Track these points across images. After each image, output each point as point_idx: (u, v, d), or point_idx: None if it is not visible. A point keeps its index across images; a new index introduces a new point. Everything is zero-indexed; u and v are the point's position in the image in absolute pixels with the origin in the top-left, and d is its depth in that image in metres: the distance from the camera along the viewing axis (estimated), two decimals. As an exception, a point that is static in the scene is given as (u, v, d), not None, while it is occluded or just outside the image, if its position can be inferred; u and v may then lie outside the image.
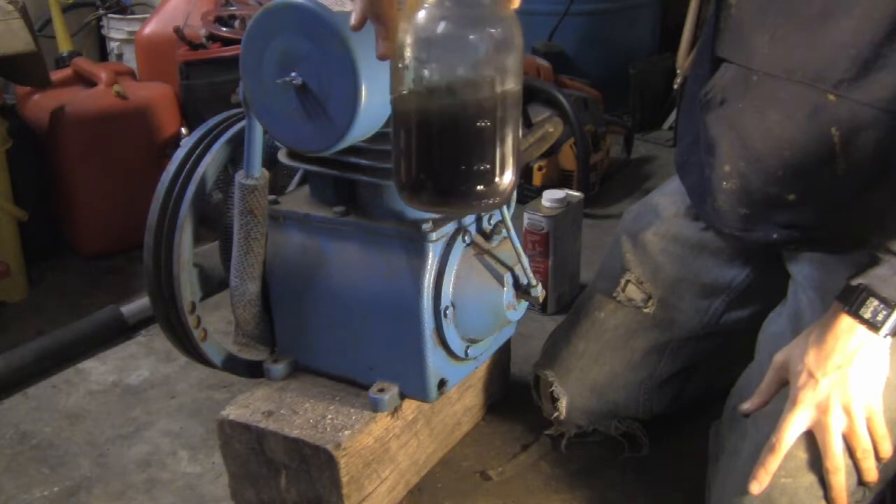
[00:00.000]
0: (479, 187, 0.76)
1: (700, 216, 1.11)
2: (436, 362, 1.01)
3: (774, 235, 0.98)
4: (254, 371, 1.13)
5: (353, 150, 0.94)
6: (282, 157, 1.05)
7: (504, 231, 1.04)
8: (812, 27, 0.87)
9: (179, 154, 1.04)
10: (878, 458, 0.86)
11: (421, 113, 0.75)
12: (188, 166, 1.03)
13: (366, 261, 1.01)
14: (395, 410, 1.04)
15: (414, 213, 1.00)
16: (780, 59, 0.90)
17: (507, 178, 0.77)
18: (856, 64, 0.85)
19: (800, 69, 0.88)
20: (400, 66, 0.74)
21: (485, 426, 1.25)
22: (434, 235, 0.97)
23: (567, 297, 1.59)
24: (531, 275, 1.03)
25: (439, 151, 0.75)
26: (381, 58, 0.75)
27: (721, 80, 0.97)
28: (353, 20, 0.76)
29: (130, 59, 2.44)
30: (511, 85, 0.75)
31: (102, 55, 2.75)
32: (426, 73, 0.73)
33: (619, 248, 1.18)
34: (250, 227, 1.00)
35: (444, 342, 1.01)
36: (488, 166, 0.75)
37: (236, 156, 1.04)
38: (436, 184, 0.76)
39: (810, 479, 0.86)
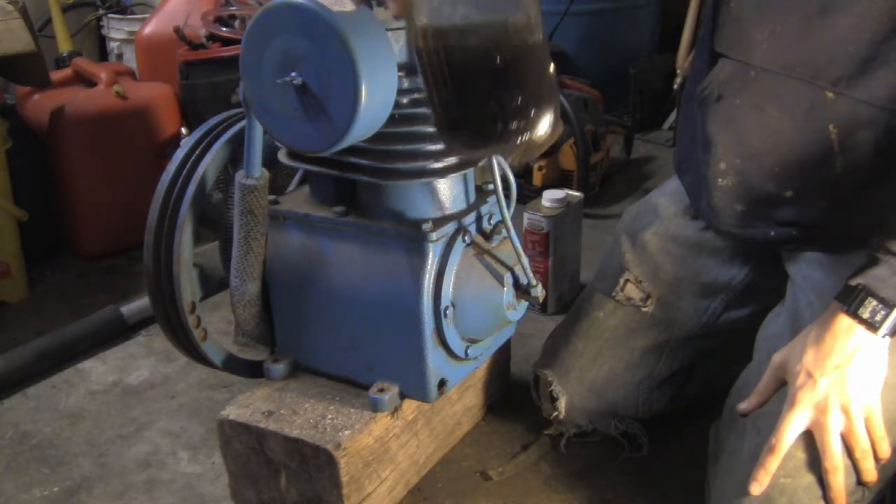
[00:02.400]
0: (514, 125, 0.74)
1: (698, 214, 1.11)
2: (436, 362, 1.01)
3: (772, 233, 0.98)
4: (254, 371, 1.13)
5: (353, 150, 0.94)
6: (282, 157, 1.05)
7: (504, 231, 1.04)
8: (812, 24, 0.87)
9: (179, 154, 1.04)
10: (876, 458, 0.86)
11: (446, 56, 0.74)
12: (188, 166, 1.03)
13: (366, 261, 1.01)
14: (395, 410, 1.04)
15: (414, 212, 1.00)
16: (779, 54, 0.90)
17: (544, 119, 0.75)
18: (855, 61, 0.85)
19: (798, 65, 0.88)
20: (418, 9, 0.73)
21: (485, 426, 1.25)
22: (434, 235, 0.97)
23: (567, 297, 1.60)
24: (531, 275, 1.03)
25: (471, 92, 0.74)
26: (398, 17, 0.75)
27: (719, 75, 0.97)
28: None
29: (130, 59, 2.45)
30: (531, 19, 0.74)
31: (102, 55, 2.76)
32: (449, 11, 0.72)
33: (618, 248, 1.18)
34: (250, 227, 1.00)
35: (444, 342, 1.01)
36: (523, 104, 0.74)
37: (236, 156, 1.05)
38: (472, 127, 0.75)
39: (809, 479, 0.86)
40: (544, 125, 0.75)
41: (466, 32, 0.72)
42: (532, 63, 0.74)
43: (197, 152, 1.04)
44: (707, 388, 1.19)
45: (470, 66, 0.73)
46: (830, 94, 0.87)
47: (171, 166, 1.04)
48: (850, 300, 0.84)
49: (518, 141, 0.75)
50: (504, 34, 0.72)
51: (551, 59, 0.78)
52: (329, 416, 1.01)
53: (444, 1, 0.73)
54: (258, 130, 0.96)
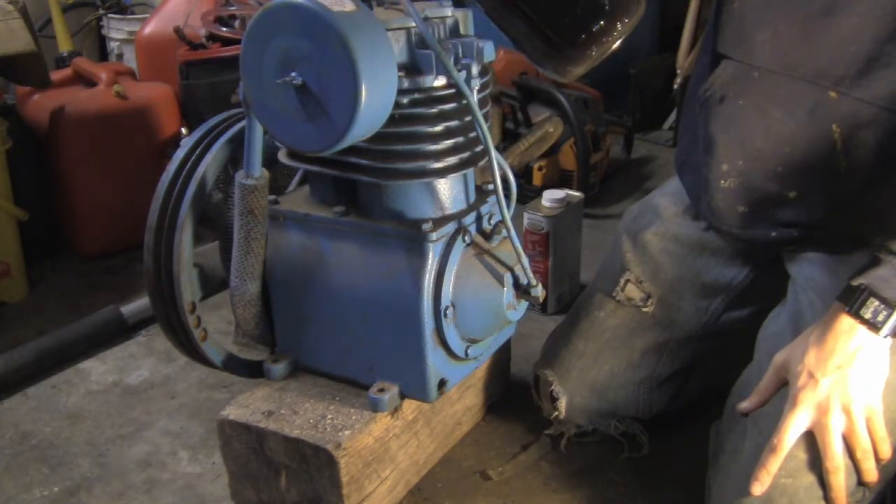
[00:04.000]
0: (598, 25, 0.75)
1: (699, 215, 1.11)
2: (436, 362, 1.01)
3: (773, 234, 0.98)
4: (254, 371, 1.13)
5: (353, 150, 0.94)
6: (282, 157, 1.05)
7: (504, 231, 1.04)
8: (814, 24, 0.87)
9: (179, 154, 1.04)
10: (877, 458, 0.86)
11: None
12: (188, 166, 1.03)
13: (366, 261, 1.01)
14: (395, 410, 1.04)
15: (414, 212, 1.00)
16: (782, 55, 0.90)
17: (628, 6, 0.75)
18: (858, 61, 0.85)
19: (801, 66, 0.88)
20: None
21: (485, 426, 1.25)
22: (434, 235, 0.97)
23: (567, 297, 1.60)
24: (531, 275, 1.03)
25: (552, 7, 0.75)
26: None
27: (721, 76, 0.97)
28: None
29: (130, 59, 2.45)
30: None
31: (102, 55, 2.76)
32: None
33: (619, 248, 1.18)
34: (250, 227, 1.00)
35: (444, 342, 1.01)
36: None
37: (236, 156, 1.04)
38: (563, 40, 0.75)
39: (810, 479, 0.86)
40: (631, 17, 0.76)
41: None
42: None
43: (197, 152, 1.04)
44: (707, 389, 1.19)
45: None
46: (833, 94, 0.86)
47: (171, 166, 1.04)
48: (852, 300, 0.84)
49: (607, 40, 0.76)
50: None
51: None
52: (329, 416, 1.01)
53: None
54: (258, 130, 0.96)
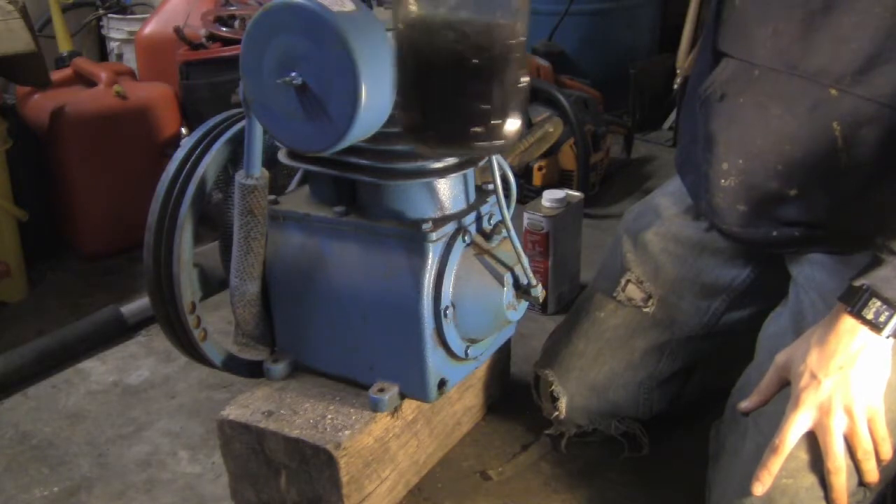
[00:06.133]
0: (478, 129, 0.73)
1: (700, 214, 1.11)
2: (436, 362, 1.01)
3: (774, 233, 0.97)
4: (254, 371, 1.13)
5: (353, 150, 0.94)
6: (282, 157, 1.05)
7: (504, 231, 1.04)
8: (814, 21, 0.87)
9: (179, 154, 1.04)
10: (878, 459, 0.86)
11: (418, 50, 0.72)
12: (188, 166, 1.03)
13: (366, 261, 1.01)
14: (395, 410, 1.04)
15: (414, 212, 1.00)
16: (782, 53, 0.90)
17: (510, 121, 0.74)
18: (858, 59, 0.84)
19: (801, 63, 0.88)
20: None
21: (485, 426, 1.25)
22: (434, 235, 0.97)
23: (567, 297, 1.59)
24: (531, 275, 1.03)
25: (437, 91, 0.73)
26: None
27: (721, 74, 0.96)
28: None
29: (130, 59, 2.44)
30: (512, 21, 0.72)
31: (102, 55, 2.75)
32: (422, 6, 0.70)
33: (619, 248, 1.18)
34: (250, 227, 1.00)
35: (444, 342, 1.01)
36: (488, 107, 0.73)
37: (236, 156, 1.04)
38: (437, 125, 0.74)
39: (811, 479, 0.86)
40: (509, 134, 0.74)
41: (449, 26, 0.71)
42: (508, 68, 0.73)
43: (197, 152, 1.04)
44: (708, 389, 1.19)
45: (446, 60, 0.72)
46: (834, 92, 0.86)
47: (171, 166, 1.04)
48: (853, 301, 0.84)
49: (477, 145, 0.74)
50: (488, 35, 0.71)
51: (526, 66, 0.77)
52: (329, 416, 1.01)
53: None
54: (258, 130, 0.96)
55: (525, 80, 0.75)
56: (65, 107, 1.74)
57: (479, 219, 1.05)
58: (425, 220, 0.97)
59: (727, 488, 0.92)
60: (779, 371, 0.91)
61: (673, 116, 2.55)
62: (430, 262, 0.97)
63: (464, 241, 1.01)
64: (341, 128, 0.85)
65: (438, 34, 0.71)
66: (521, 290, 1.03)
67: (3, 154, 1.62)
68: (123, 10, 2.61)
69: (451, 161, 0.97)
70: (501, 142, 0.74)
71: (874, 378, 0.85)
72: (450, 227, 1.00)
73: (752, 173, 0.94)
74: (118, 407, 1.33)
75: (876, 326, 0.83)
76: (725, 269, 1.11)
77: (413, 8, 0.71)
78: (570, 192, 1.58)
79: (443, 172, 0.97)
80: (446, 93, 0.73)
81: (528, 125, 2.02)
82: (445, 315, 0.99)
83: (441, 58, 0.72)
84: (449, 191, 1.02)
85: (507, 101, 0.73)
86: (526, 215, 1.52)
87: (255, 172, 0.98)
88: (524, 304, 1.06)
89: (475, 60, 0.71)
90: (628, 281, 1.15)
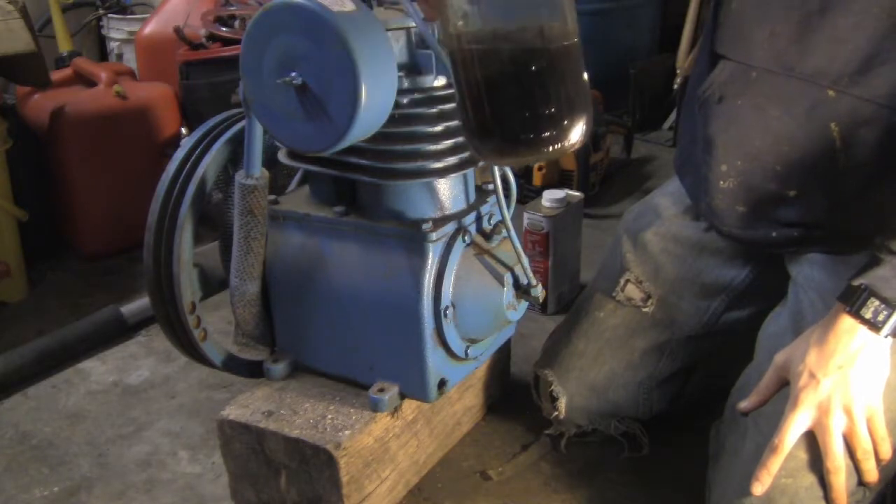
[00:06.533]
0: (546, 133, 0.74)
1: (700, 215, 1.11)
2: (436, 362, 1.01)
3: (774, 234, 0.98)
4: (254, 371, 1.13)
5: (353, 150, 0.94)
6: (282, 157, 1.05)
7: (504, 231, 1.04)
8: (811, 23, 0.87)
9: (179, 154, 1.04)
10: (878, 458, 0.86)
11: (477, 68, 0.73)
12: (188, 166, 1.03)
13: (366, 261, 1.01)
14: (395, 410, 1.04)
15: (414, 212, 1.00)
16: (780, 54, 0.90)
17: (577, 121, 0.74)
18: (855, 59, 0.84)
19: (799, 65, 0.88)
20: (451, 14, 0.72)
21: (485, 426, 1.25)
22: (434, 235, 0.97)
23: (567, 297, 1.60)
24: (531, 275, 1.03)
25: (501, 99, 0.73)
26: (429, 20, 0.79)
27: (719, 76, 0.97)
28: None
29: (130, 59, 2.45)
30: (567, 24, 0.73)
31: (102, 55, 2.75)
32: (478, 19, 0.71)
33: (619, 248, 1.18)
34: (250, 227, 1.00)
35: (444, 342, 1.01)
36: (555, 110, 0.73)
37: (236, 156, 1.04)
38: (502, 133, 0.74)
39: (810, 479, 0.86)
40: (577, 133, 0.75)
41: (501, 37, 0.72)
42: (567, 69, 0.74)
43: (197, 152, 1.04)
44: (707, 389, 1.19)
45: (504, 71, 0.73)
46: (832, 93, 0.86)
47: (171, 166, 1.04)
48: (852, 300, 0.84)
49: (549, 149, 0.75)
50: (540, 39, 0.72)
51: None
52: (329, 416, 1.01)
53: (479, 5, 0.72)
54: (258, 130, 0.96)
55: (585, 77, 0.76)
56: (65, 107, 1.75)
57: (479, 219, 1.05)
58: (425, 220, 0.97)
59: (727, 488, 0.92)
60: (778, 371, 0.91)
61: (673, 116, 2.56)
62: (430, 262, 0.98)
63: (464, 241, 1.01)
64: (341, 128, 0.85)
65: (494, 48, 0.72)
66: (521, 290, 1.03)
67: (3, 154, 1.62)
68: (123, 10, 2.62)
69: (451, 161, 0.97)
70: (573, 141, 0.75)
71: (873, 377, 0.85)
72: (450, 227, 1.00)
73: (750, 175, 0.94)
74: (118, 407, 1.33)
75: (875, 326, 0.83)
76: (725, 269, 1.11)
77: (463, 25, 0.72)
78: (570, 192, 1.58)
79: (443, 172, 0.97)
80: (513, 103, 0.74)
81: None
82: (445, 315, 0.99)
83: (502, 71, 0.72)
84: (449, 191, 1.02)
85: (573, 101, 0.74)
86: (526, 215, 1.52)
87: (255, 172, 0.98)
88: (524, 304, 1.06)
89: (534, 67, 0.72)
90: (628, 281, 1.15)
